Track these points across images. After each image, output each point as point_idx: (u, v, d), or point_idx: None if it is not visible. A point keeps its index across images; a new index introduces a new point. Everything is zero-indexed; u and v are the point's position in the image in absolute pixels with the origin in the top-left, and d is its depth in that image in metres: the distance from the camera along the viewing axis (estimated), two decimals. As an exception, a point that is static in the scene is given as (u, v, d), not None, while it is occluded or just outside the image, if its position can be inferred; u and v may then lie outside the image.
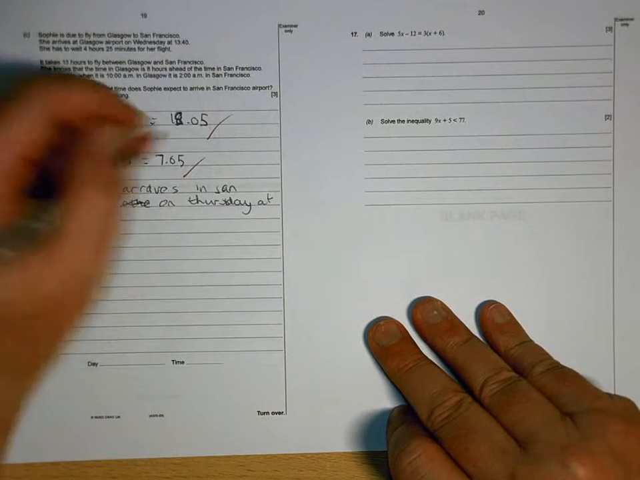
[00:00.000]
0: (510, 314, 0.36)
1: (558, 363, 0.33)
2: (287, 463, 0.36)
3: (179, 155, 0.35)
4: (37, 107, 0.27)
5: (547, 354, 0.34)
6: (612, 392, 0.34)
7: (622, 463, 0.28)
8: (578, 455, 0.28)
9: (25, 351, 0.27)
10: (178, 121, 0.35)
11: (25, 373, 0.28)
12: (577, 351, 0.35)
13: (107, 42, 0.35)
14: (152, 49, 0.35)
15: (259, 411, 0.36)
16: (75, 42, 0.35)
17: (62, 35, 0.35)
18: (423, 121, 0.36)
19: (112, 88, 0.35)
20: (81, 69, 0.35)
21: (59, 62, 0.35)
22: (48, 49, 0.35)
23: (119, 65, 0.35)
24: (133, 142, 0.30)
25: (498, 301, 0.36)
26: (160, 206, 0.35)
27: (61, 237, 0.26)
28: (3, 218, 0.26)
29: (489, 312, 0.35)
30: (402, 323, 0.36)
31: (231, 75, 0.35)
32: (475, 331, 0.36)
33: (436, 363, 0.35)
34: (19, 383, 0.28)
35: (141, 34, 0.35)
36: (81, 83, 0.29)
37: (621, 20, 0.36)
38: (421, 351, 0.35)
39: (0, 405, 0.27)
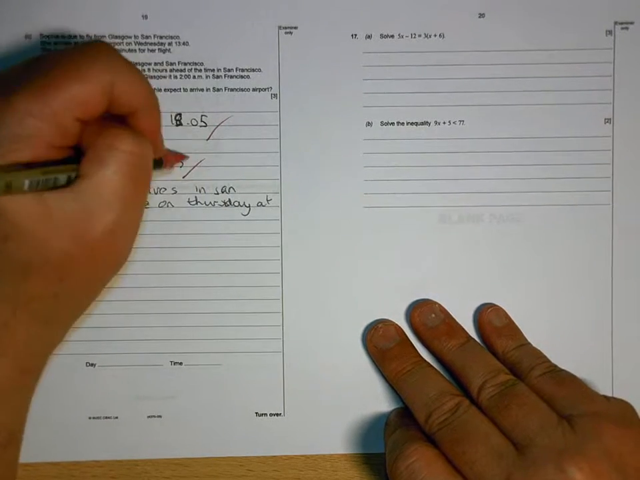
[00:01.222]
0: (508, 317, 0.36)
1: (555, 366, 0.33)
2: (287, 463, 0.36)
3: (178, 156, 0.36)
4: (101, 75, 0.27)
5: (545, 357, 0.34)
6: (610, 395, 0.34)
7: (618, 466, 0.28)
8: (575, 459, 0.28)
9: (56, 298, 0.27)
10: (178, 122, 0.35)
11: (54, 323, 0.29)
12: (575, 354, 0.36)
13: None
14: (152, 51, 0.35)
15: (256, 412, 0.36)
16: (76, 43, 0.35)
17: (63, 36, 0.35)
18: (422, 124, 0.36)
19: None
20: (81, 69, 0.35)
21: (59, 63, 0.35)
22: (49, 49, 0.35)
23: (119, 66, 0.35)
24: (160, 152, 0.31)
25: (496, 303, 0.36)
26: (159, 207, 0.36)
27: (81, 187, 0.26)
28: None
29: (487, 315, 0.35)
30: (400, 325, 0.36)
31: (231, 77, 0.35)
32: (473, 333, 0.36)
33: (434, 365, 0.35)
34: (47, 333, 0.28)
35: (142, 35, 0.35)
36: (140, 75, 0.29)
37: (621, 24, 0.36)
38: (419, 353, 0.35)
39: (27, 355, 0.28)
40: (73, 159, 0.27)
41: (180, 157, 0.35)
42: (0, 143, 0.25)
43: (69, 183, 0.27)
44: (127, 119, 0.29)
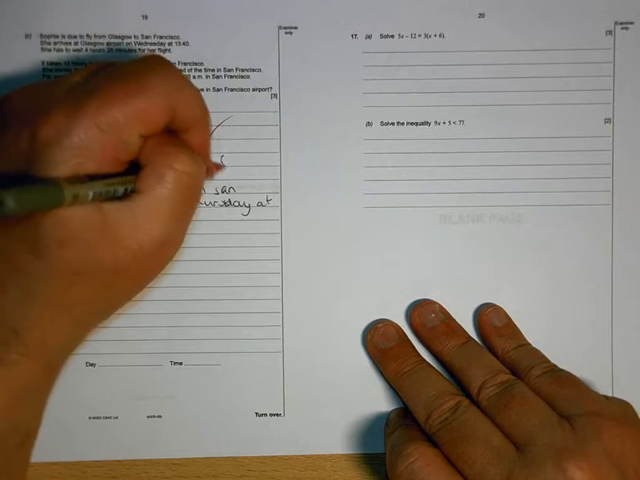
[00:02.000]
0: (508, 317, 0.36)
1: (555, 366, 0.33)
2: (287, 463, 0.36)
3: (179, 156, 0.35)
4: (165, 90, 0.27)
5: (544, 357, 0.34)
6: (610, 395, 0.34)
7: (618, 466, 0.28)
8: (575, 458, 0.28)
9: (94, 304, 0.28)
10: (178, 122, 0.35)
11: (86, 326, 0.29)
12: (575, 354, 0.35)
13: (108, 43, 0.35)
14: (152, 50, 0.35)
15: (256, 413, 0.36)
16: (76, 43, 0.35)
17: (63, 36, 0.35)
18: (422, 124, 0.36)
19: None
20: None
21: (60, 63, 0.35)
22: (49, 50, 0.35)
23: (119, 66, 0.35)
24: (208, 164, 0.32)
25: (496, 303, 0.36)
26: (159, 207, 0.35)
27: (137, 202, 0.27)
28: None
29: (486, 315, 0.35)
30: (400, 325, 0.36)
31: (231, 77, 0.35)
32: (473, 333, 0.36)
33: (434, 365, 0.35)
34: (77, 335, 0.29)
35: (142, 35, 0.35)
36: (198, 92, 0.29)
37: (621, 24, 0.36)
38: (419, 353, 0.35)
39: (54, 356, 0.29)
40: (129, 171, 0.28)
41: (219, 167, 0.35)
42: (66, 152, 0.25)
43: (125, 194, 0.27)
44: (180, 133, 0.29)
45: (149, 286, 0.31)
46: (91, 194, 0.26)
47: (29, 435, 0.29)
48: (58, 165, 0.25)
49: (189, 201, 0.28)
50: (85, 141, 0.26)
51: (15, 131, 0.27)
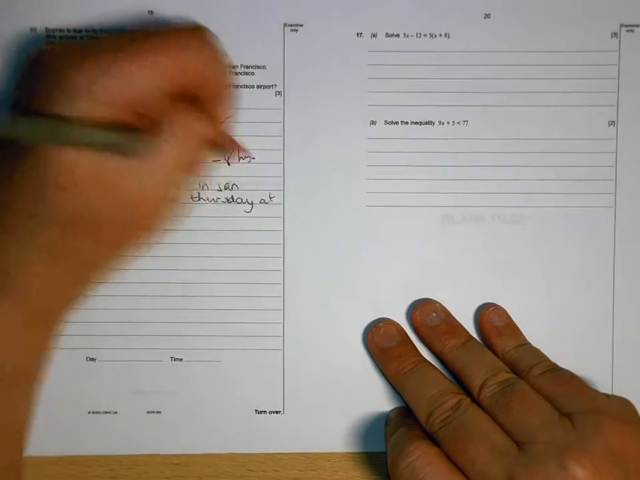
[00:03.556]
0: (508, 317, 0.36)
1: (555, 365, 0.33)
2: (287, 462, 0.36)
3: (182, 152, 0.35)
4: (187, 56, 0.28)
5: (545, 356, 0.34)
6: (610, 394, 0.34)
7: (620, 463, 0.28)
8: (576, 455, 0.28)
9: (86, 258, 0.29)
10: (182, 118, 0.35)
11: (79, 280, 0.30)
12: (576, 354, 0.35)
13: (113, 38, 0.35)
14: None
15: (256, 410, 0.36)
16: (81, 37, 0.35)
17: (69, 30, 0.35)
18: (426, 123, 0.36)
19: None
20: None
21: (64, 57, 0.35)
22: (54, 43, 0.35)
23: (124, 62, 0.35)
24: (225, 139, 0.33)
25: (497, 303, 0.36)
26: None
27: (144, 159, 0.27)
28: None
29: (487, 314, 0.35)
30: (401, 324, 0.36)
31: (236, 73, 0.35)
32: (473, 333, 0.36)
33: (435, 365, 0.35)
34: (71, 288, 0.30)
35: (147, 31, 0.35)
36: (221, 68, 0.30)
37: (627, 26, 0.36)
38: (420, 353, 0.35)
39: (46, 305, 0.29)
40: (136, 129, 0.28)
41: (239, 147, 0.35)
42: (82, 96, 0.26)
43: (133, 152, 0.27)
44: (200, 103, 0.30)
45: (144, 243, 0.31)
46: (101, 140, 0.26)
47: (16, 375, 0.29)
48: (72, 108, 0.26)
49: (193, 164, 0.29)
50: (102, 86, 0.26)
51: (41, 79, 0.27)
